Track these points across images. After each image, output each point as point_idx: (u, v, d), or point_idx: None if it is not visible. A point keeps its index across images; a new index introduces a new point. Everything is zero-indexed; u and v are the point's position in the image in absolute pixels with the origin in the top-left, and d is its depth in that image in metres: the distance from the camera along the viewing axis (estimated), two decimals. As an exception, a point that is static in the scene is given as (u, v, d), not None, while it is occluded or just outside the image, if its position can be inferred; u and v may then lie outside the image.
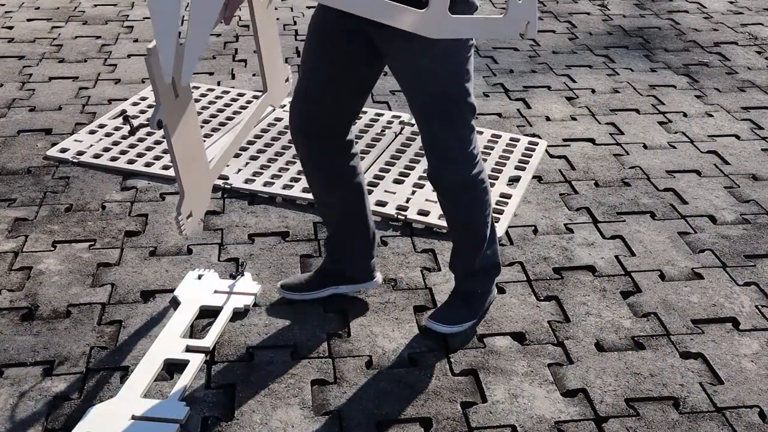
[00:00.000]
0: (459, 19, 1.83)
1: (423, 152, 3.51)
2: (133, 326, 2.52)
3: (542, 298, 2.69)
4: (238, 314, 2.56)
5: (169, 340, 2.43)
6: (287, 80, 2.78)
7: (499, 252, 2.55)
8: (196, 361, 2.36)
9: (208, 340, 2.44)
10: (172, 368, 2.35)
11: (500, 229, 3.00)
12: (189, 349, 2.41)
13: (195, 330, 2.51)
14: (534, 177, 3.40)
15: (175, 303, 2.60)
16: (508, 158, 3.51)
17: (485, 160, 3.49)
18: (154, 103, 2.07)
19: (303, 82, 2.29)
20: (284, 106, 3.91)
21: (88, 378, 2.32)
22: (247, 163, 3.41)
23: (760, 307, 2.67)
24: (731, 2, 5.60)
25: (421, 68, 2.14)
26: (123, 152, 3.48)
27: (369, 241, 2.58)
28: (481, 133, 3.71)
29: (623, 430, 2.19)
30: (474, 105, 2.24)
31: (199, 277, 2.71)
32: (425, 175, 3.36)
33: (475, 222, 2.43)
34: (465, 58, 2.17)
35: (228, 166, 3.34)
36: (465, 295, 2.54)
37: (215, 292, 2.64)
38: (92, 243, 2.91)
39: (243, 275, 2.71)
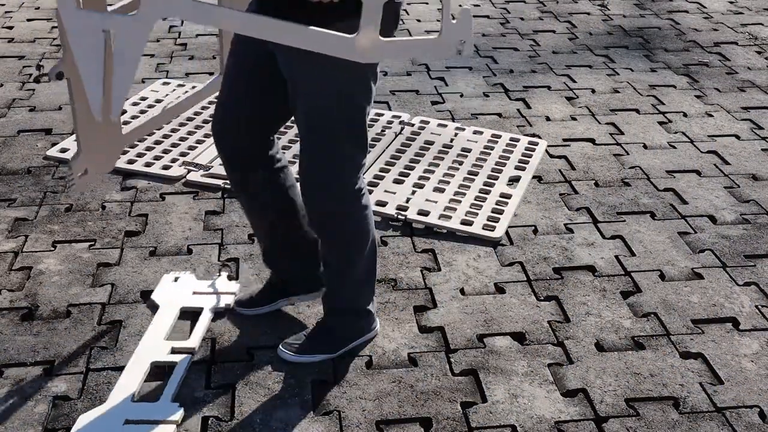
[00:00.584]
0: (392, 42, 1.79)
1: (423, 152, 3.53)
2: (133, 326, 2.52)
3: (542, 298, 2.69)
4: (220, 314, 2.56)
5: (154, 343, 2.42)
6: None
7: (371, 300, 2.41)
8: (184, 362, 2.35)
9: (193, 341, 2.43)
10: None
11: (500, 229, 3.01)
12: (174, 351, 2.40)
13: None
14: (534, 177, 3.40)
15: (153, 307, 2.59)
16: (508, 158, 3.51)
17: (485, 160, 3.49)
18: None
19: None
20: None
21: (88, 378, 2.32)
22: (247, 163, 3.40)
23: (760, 307, 2.67)
24: (731, 2, 5.60)
25: (310, 78, 2.01)
26: (123, 152, 3.48)
27: (306, 255, 2.46)
28: (481, 133, 3.72)
29: (623, 430, 2.19)
30: (364, 134, 2.11)
31: (176, 279, 2.70)
32: (425, 174, 3.36)
33: (341, 257, 2.30)
34: (360, 76, 2.01)
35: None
36: (325, 329, 2.42)
37: (194, 293, 2.63)
38: (92, 243, 2.91)
39: (219, 275, 2.72)
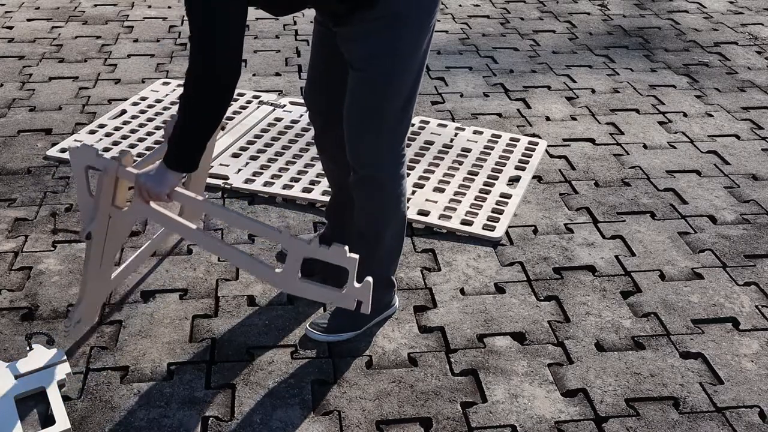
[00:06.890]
0: (307, 284, 2.16)
1: (423, 152, 3.53)
2: (133, 326, 2.52)
3: (542, 298, 2.69)
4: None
5: None
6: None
7: (395, 269, 2.53)
8: None
9: (63, 421, 2.15)
10: (173, 369, 2.35)
11: (500, 229, 3.01)
12: None
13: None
14: (534, 177, 3.40)
15: None
16: (508, 158, 3.51)
17: (485, 160, 3.49)
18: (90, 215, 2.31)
19: (309, 70, 2.52)
20: (284, 105, 3.91)
21: (88, 378, 2.32)
22: (247, 163, 3.41)
23: (760, 307, 2.67)
24: (731, 2, 5.60)
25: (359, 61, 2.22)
26: (123, 152, 3.47)
27: None
28: (481, 133, 3.72)
29: (623, 430, 2.19)
30: (410, 102, 2.27)
31: None
32: (425, 174, 3.36)
33: (375, 224, 2.41)
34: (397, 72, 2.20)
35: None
36: None
37: (17, 377, 2.27)
38: (92, 243, 2.91)
39: (32, 348, 2.37)
